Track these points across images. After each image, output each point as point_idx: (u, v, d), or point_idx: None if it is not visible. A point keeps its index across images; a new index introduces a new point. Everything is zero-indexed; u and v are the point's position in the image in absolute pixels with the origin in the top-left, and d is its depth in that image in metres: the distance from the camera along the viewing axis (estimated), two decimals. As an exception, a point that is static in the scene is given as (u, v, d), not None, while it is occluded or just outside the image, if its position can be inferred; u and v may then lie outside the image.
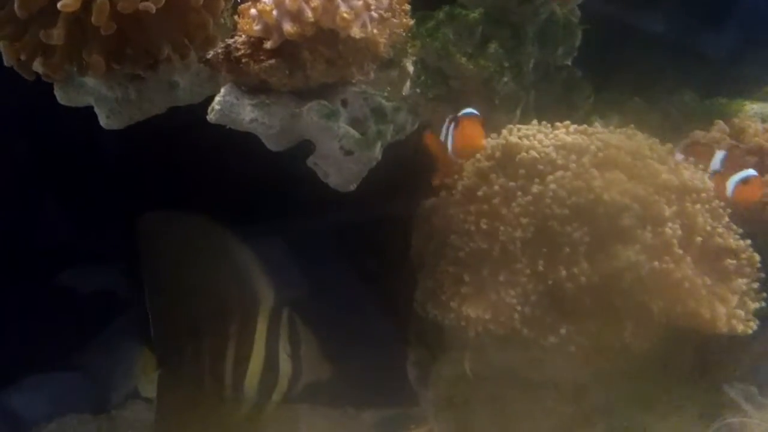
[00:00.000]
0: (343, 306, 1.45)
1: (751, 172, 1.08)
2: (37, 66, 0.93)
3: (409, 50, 1.34)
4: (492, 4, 1.37)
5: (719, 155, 1.18)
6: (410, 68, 1.32)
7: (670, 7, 1.63)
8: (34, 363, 1.45)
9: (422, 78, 1.36)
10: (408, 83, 1.32)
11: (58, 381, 1.50)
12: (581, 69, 1.48)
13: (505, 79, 1.35)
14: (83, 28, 0.91)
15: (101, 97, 1.13)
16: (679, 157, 1.17)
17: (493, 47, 1.35)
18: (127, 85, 1.12)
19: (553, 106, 1.45)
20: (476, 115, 1.06)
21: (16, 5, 0.85)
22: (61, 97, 1.14)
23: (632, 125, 1.07)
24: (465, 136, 1.03)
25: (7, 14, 0.93)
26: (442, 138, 1.10)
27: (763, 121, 1.38)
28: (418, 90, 1.35)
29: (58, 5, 0.85)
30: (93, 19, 0.86)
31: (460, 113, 1.08)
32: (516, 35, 1.38)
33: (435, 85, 1.38)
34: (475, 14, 1.37)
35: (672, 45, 1.62)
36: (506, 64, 1.36)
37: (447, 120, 1.10)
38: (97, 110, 1.15)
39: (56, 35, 0.86)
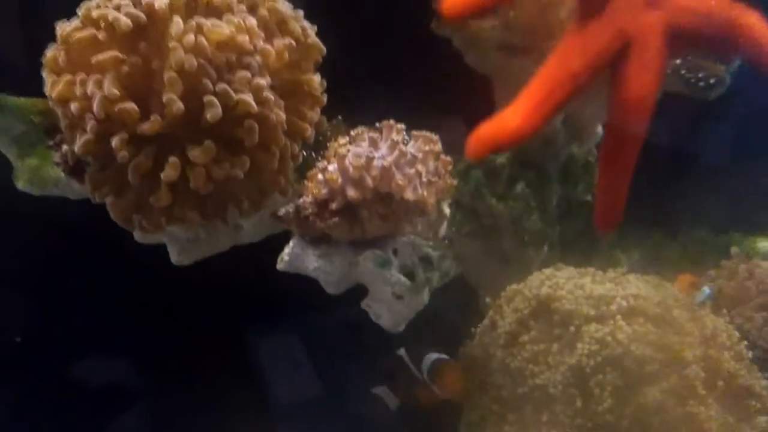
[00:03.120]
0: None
1: None
2: (136, 221, 1.07)
3: (446, 194, 1.48)
4: (517, 147, 1.50)
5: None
6: (447, 210, 1.44)
7: (684, 142, 1.69)
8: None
9: (457, 217, 1.48)
10: (445, 223, 1.45)
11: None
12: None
13: (534, 217, 1.45)
14: (176, 189, 1.06)
15: (174, 238, 1.26)
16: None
17: (519, 187, 1.45)
18: (199, 228, 1.26)
19: (576, 240, 1.56)
20: (448, 361, 1.17)
21: (130, 173, 1.00)
22: (139, 236, 1.27)
23: (656, 272, 1.18)
24: (447, 388, 1.15)
25: (109, 176, 1.08)
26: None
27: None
28: (453, 228, 1.48)
29: (162, 176, 1.00)
30: (192, 184, 1.01)
31: (433, 357, 1.17)
32: (540, 175, 1.50)
33: (468, 222, 1.48)
34: (501, 158, 1.48)
35: (688, 180, 1.68)
36: (533, 203, 1.47)
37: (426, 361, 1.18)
38: (169, 248, 1.27)
39: (164, 198, 1.02)
